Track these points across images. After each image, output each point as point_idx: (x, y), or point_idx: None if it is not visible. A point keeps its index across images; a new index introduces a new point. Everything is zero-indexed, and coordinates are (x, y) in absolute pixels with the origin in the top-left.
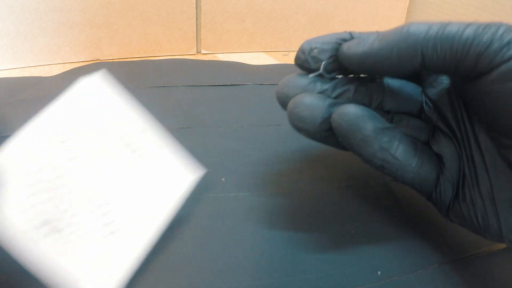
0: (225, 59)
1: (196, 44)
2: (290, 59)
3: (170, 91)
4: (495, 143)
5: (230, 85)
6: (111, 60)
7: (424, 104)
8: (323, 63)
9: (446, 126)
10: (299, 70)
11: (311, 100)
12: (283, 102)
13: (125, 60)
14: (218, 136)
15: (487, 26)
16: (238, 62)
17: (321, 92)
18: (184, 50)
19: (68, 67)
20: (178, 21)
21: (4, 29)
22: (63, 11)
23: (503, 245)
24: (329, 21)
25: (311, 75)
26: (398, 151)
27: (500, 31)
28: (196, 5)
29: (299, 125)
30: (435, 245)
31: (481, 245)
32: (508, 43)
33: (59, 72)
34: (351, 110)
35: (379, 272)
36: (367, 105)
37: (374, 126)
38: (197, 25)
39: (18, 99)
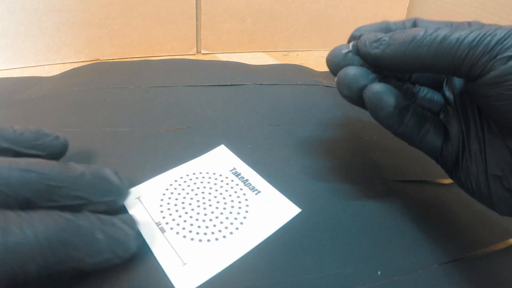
0: (225, 59)
1: (196, 44)
2: (290, 59)
3: (170, 91)
4: (498, 128)
5: (230, 85)
6: (111, 60)
7: (445, 82)
8: (351, 43)
9: (457, 104)
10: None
11: (356, 73)
12: (333, 70)
13: (125, 60)
14: (218, 136)
15: (483, 37)
16: (238, 62)
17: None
18: (184, 50)
19: (68, 67)
20: (178, 21)
21: (4, 29)
22: (63, 11)
23: (503, 245)
24: (329, 21)
25: (344, 51)
26: (410, 122)
27: (493, 43)
28: (196, 5)
29: (345, 92)
30: (435, 245)
31: (481, 245)
32: (496, 55)
33: (59, 72)
34: (379, 89)
35: (379, 272)
36: (399, 77)
37: (396, 104)
38: (197, 25)
39: (18, 99)
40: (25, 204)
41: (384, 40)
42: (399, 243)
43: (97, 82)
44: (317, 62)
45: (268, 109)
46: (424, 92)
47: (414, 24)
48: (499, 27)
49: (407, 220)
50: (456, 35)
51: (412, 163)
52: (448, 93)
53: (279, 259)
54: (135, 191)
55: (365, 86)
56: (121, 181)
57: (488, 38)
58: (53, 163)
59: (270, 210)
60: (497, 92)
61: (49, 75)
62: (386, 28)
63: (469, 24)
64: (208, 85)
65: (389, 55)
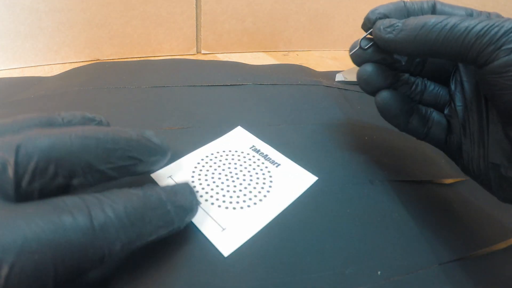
0: (225, 59)
1: (196, 44)
2: (290, 59)
3: (170, 91)
4: (501, 117)
5: (230, 85)
6: (111, 60)
7: (452, 76)
8: (360, 40)
9: (465, 95)
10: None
11: (373, 70)
12: (355, 62)
13: (125, 60)
14: (218, 136)
15: (490, 27)
16: (238, 62)
17: (382, 58)
18: (184, 50)
19: (68, 67)
20: (178, 21)
21: (4, 29)
22: (63, 11)
23: (503, 245)
24: (329, 21)
25: (351, 52)
26: (414, 120)
27: (499, 34)
28: (196, 5)
29: (364, 87)
30: (435, 245)
31: (481, 244)
32: (501, 46)
33: (59, 72)
34: (387, 96)
35: (379, 272)
36: (411, 71)
37: (401, 107)
38: (197, 25)
39: (18, 99)
40: (87, 168)
41: (397, 25)
42: (399, 243)
43: (97, 82)
44: (317, 62)
45: (268, 109)
46: (431, 87)
47: (433, 6)
48: (507, 19)
49: (407, 220)
50: (465, 24)
51: (412, 163)
52: (453, 87)
53: (278, 259)
54: (166, 170)
55: (380, 87)
56: (162, 141)
57: (496, 29)
58: (106, 128)
59: (291, 179)
60: (500, 81)
61: (49, 75)
62: (402, 8)
63: (489, 14)
64: (208, 85)
65: (401, 39)
